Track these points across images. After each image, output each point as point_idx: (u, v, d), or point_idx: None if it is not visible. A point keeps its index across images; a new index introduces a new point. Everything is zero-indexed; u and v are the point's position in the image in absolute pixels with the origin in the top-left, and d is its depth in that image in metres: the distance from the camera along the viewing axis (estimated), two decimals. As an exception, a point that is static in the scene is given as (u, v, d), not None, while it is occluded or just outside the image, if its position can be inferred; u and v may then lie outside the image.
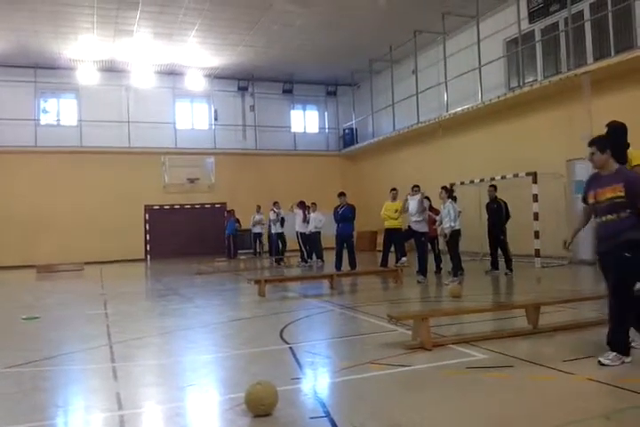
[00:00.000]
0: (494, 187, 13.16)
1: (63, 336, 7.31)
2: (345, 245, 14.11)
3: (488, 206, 13.14)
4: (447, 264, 12.56)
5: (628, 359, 4.81)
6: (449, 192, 11.77)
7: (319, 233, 16.61)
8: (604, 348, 4.92)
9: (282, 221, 18.45)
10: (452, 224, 11.29)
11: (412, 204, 12.11)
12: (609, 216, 4.95)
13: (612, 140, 6.89)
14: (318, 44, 19.98)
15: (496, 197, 12.96)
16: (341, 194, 14.49)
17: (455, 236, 11.48)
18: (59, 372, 5.46)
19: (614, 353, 4.80)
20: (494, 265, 12.87)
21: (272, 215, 18.70)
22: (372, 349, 5.77)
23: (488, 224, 13.04)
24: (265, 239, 21.01)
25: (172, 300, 10.57)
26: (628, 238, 4.80)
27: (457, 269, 11.43)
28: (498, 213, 12.74)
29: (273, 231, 18.67)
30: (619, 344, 4.86)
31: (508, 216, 12.85)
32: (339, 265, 13.80)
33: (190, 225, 22.93)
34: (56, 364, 5.70)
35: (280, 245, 18.74)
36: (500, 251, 12.88)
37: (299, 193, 19.81)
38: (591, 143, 5.18)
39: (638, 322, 5.07)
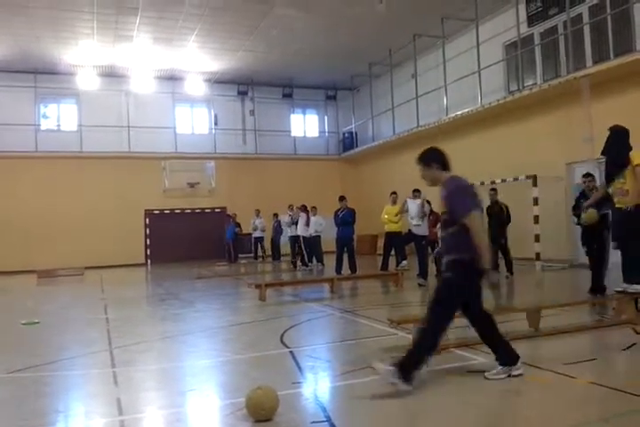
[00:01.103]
0: (495, 190, 13.16)
1: (63, 341, 7.30)
2: (345, 248, 14.11)
3: (489, 210, 13.14)
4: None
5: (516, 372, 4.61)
6: None
7: (319, 237, 16.62)
8: (606, 351, 4.91)
9: (296, 224, 18.29)
10: None
11: (413, 207, 12.10)
12: (444, 232, 4.75)
13: (615, 143, 6.94)
14: (318, 48, 20.01)
15: (497, 200, 12.96)
16: (342, 198, 14.52)
17: None
18: (59, 377, 5.45)
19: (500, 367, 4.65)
20: (495, 268, 12.85)
21: (287, 218, 18.61)
22: (373, 353, 5.76)
23: (489, 227, 13.04)
24: (267, 243, 20.97)
25: (172, 304, 10.57)
26: (451, 259, 4.57)
27: None
28: (499, 217, 12.75)
29: (289, 234, 18.51)
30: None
31: (508, 220, 12.85)
32: (339, 269, 13.78)
33: (191, 229, 22.92)
34: (56, 369, 5.70)
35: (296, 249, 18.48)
36: (500, 254, 12.88)
37: (299, 197, 19.82)
38: (417, 161, 4.81)
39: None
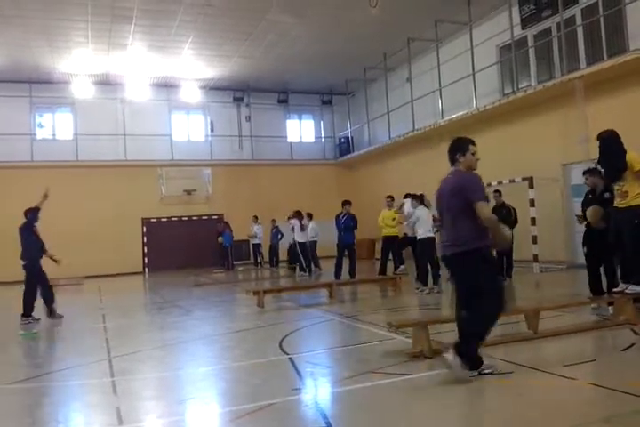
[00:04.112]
0: (499, 192, 12.68)
1: (62, 351, 7.29)
2: (347, 253, 13.94)
3: (495, 212, 12.59)
4: (446, 271, 12.52)
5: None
6: (418, 199, 11.47)
7: (316, 242, 16.62)
8: (606, 352, 4.89)
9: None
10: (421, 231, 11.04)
11: (407, 206, 12.20)
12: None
13: (608, 149, 6.94)
14: (312, 53, 20.04)
15: (504, 202, 12.47)
16: (345, 202, 14.16)
17: (427, 244, 11.11)
18: (58, 387, 5.43)
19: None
20: (500, 272, 12.33)
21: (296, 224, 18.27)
22: (373, 358, 5.75)
23: None
24: (265, 250, 20.94)
25: (170, 312, 10.54)
26: None
27: (424, 279, 11.07)
28: (507, 219, 11.87)
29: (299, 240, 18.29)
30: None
31: (515, 222, 12.34)
32: (338, 274, 13.64)
33: (188, 237, 22.84)
34: (55, 379, 5.68)
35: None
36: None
37: (296, 203, 19.78)
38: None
39: None
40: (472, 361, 4.65)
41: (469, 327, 4.81)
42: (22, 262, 10.04)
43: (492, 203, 12.85)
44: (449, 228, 4.91)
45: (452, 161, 4.96)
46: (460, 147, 4.94)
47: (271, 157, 24.86)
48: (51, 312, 9.92)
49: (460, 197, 4.74)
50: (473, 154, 4.92)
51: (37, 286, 9.98)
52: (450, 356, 4.60)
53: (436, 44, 18.12)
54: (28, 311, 9.74)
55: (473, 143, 4.99)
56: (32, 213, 10.05)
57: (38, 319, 9.71)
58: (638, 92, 12.28)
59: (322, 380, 5.19)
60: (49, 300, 10.02)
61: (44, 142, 22.03)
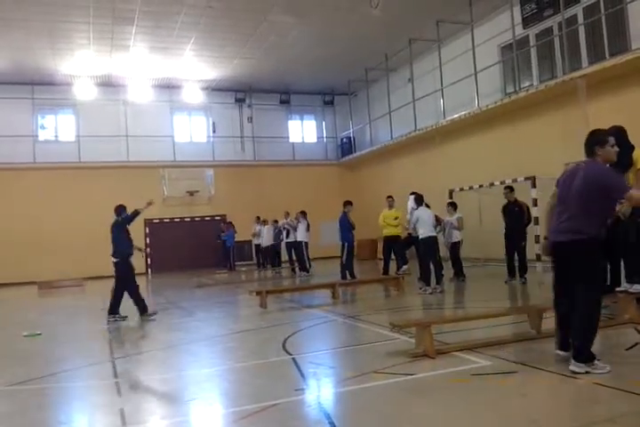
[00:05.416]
0: (510, 188, 12.21)
1: (65, 352, 7.28)
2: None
3: (507, 209, 12.09)
4: (449, 271, 12.52)
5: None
6: (418, 199, 11.44)
7: (307, 243, 16.80)
8: (610, 351, 4.88)
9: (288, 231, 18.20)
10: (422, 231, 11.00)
11: (410, 202, 12.21)
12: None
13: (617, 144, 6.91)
14: (314, 54, 20.04)
15: (516, 199, 12.01)
16: (344, 203, 14.05)
17: (429, 243, 11.07)
18: (61, 388, 5.43)
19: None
20: (512, 273, 11.90)
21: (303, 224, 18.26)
22: (376, 358, 5.74)
23: (506, 229, 12.00)
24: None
25: (173, 313, 10.55)
26: None
27: (428, 278, 10.92)
28: (519, 217, 11.76)
29: (286, 240, 18.38)
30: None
31: (529, 220, 11.93)
32: (344, 274, 13.50)
33: (190, 238, 22.86)
34: (59, 380, 5.68)
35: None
36: (516, 257, 11.90)
37: (298, 203, 19.77)
38: None
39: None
40: (589, 355, 4.66)
41: (583, 323, 4.77)
42: (114, 260, 9.95)
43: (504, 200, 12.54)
44: (570, 215, 4.86)
45: (591, 154, 4.96)
46: (598, 140, 4.95)
47: (273, 158, 24.85)
48: (143, 309, 9.72)
49: (597, 193, 4.73)
50: (612, 146, 4.93)
51: (125, 283, 9.82)
52: (575, 368, 4.63)
53: (437, 44, 18.09)
54: (114, 309, 9.62)
55: (611, 134, 5.02)
56: (129, 214, 10.02)
57: (125, 317, 9.62)
58: (640, 91, 12.28)
59: (325, 380, 5.18)
60: (135, 298, 9.82)
61: (46, 144, 22.06)
